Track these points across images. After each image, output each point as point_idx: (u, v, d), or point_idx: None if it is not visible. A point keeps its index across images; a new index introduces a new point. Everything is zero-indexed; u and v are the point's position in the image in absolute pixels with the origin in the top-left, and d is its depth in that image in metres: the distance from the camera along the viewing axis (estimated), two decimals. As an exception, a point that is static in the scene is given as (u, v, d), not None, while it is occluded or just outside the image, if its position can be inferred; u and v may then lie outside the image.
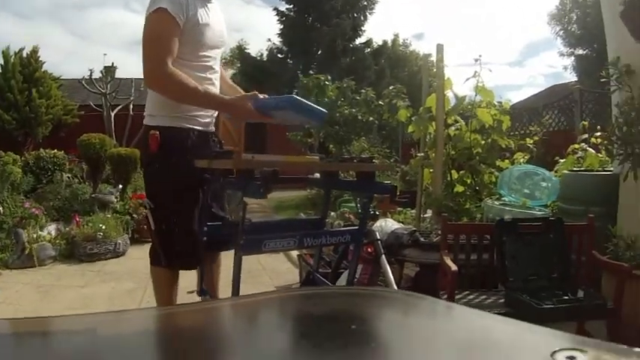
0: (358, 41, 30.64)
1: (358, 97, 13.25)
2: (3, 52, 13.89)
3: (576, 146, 5.55)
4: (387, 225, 4.52)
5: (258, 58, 31.28)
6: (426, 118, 5.75)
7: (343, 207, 7.56)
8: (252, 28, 65.96)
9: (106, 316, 1.30)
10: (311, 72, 24.26)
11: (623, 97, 3.98)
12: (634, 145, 3.64)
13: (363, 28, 31.04)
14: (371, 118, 13.02)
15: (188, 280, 5.06)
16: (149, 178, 3.14)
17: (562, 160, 5.55)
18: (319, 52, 29.36)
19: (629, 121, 3.72)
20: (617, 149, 3.84)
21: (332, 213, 6.49)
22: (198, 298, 3.56)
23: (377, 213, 3.47)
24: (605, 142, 4.62)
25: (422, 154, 5.86)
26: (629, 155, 3.67)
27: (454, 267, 3.15)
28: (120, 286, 5.26)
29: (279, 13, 30.67)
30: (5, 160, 7.62)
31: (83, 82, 15.48)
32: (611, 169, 4.64)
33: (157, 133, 2.87)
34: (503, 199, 4.91)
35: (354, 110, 12.93)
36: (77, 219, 7.00)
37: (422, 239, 4.19)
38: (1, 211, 6.67)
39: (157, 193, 3.02)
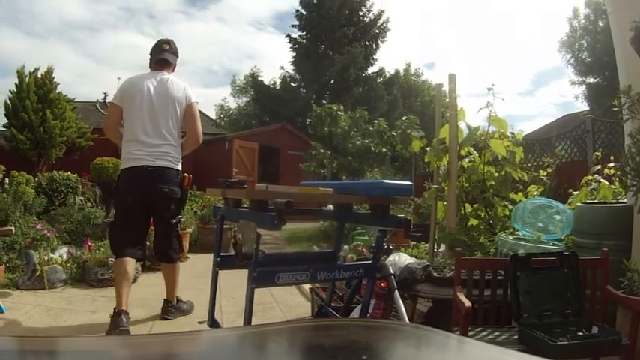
0: (370, 70, 30.83)
1: (371, 128, 13.27)
2: (18, 72, 13.87)
3: (589, 178, 5.51)
4: (400, 259, 4.49)
5: (271, 86, 31.48)
6: (439, 149, 5.74)
7: (356, 240, 7.52)
8: (264, 56, 66.58)
9: (115, 339, 1.30)
10: (324, 101, 24.44)
11: (636, 127, 3.92)
12: (647, 176, 3.60)
13: (375, 57, 31.24)
14: (384, 150, 13.03)
15: (199, 310, 5.07)
16: (177, 203, 4.80)
17: (575, 193, 5.51)
18: (332, 81, 29.52)
19: (641, 151, 3.69)
20: (631, 180, 3.78)
21: (345, 246, 6.45)
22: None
23: (391, 247, 3.45)
24: (619, 173, 4.57)
25: (436, 186, 5.84)
26: (643, 186, 3.63)
27: (468, 303, 3.12)
28: (130, 313, 5.23)
29: (292, 40, 30.95)
30: (19, 180, 7.64)
31: (97, 105, 15.57)
32: (625, 200, 4.60)
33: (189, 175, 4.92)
34: (517, 232, 4.88)
35: (366, 141, 12.96)
36: (89, 243, 6.97)
37: (435, 274, 4.16)
38: (13, 231, 6.67)
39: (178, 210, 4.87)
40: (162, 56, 4.93)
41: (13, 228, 6.72)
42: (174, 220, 4.80)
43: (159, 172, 4.57)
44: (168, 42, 5.08)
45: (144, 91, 4.65)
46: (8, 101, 13.72)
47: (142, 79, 4.74)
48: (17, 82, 13.80)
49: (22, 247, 6.55)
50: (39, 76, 14.19)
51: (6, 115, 13.75)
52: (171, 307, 4.96)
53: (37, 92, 13.73)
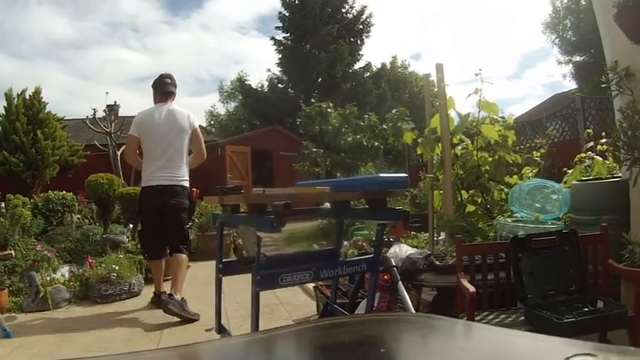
0: (357, 66, 30.87)
1: (362, 123, 13.26)
2: (6, 94, 13.81)
3: (583, 155, 5.52)
4: (401, 250, 4.50)
5: (259, 89, 31.48)
6: (431, 139, 5.75)
7: (356, 235, 7.53)
8: (250, 60, 66.72)
9: (124, 357, 1.30)
10: (312, 100, 24.42)
11: (625, 102, 3.94)
12: (640, 148, 3.62)
13: (360, 53, 31.29)
14: (376, 143, 13.03)
15: (204, 318, 5.08)
16: (186, 212, 5.86)
17: (570, 171, 5.52)
18: (319, 80, 29.53)
19: (633, 124, 3.69)
20: (624, 154, 3.79)
21: (345, 242, 6.46)
22: (216, 336, 3.56)
23: (391, 239, 3.46)
24: (611, 148, 4.57)
25: (430, 175, 5.85)
26: (636, 159, 3.63)
27: (472, 288, 3.13)
28: (137, 327, 5.23)
29: (277, 42, 30.96)
30: (15, 202, 7.63)
31: (87, 121, 15.47)
32: (620, 175, 4.61)
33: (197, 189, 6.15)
34: (515, 215, 4.89)
35: (358, 136, 12.95)
36: (90, 260, 6.94)
37: (437, 263, 4.17)
38: (13, 254, 6.66)
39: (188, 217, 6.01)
40: (167, 89, 5.97)
41: (12, 251, 6.71)
42: (187, 226, 5.98)
43: (168, 189, 5.62)
44: (169, 76, 6.07)
45: (156, 123, 5.71)
46: (-2, 124, 13.68)
47: (153, 112, 5.80)
48: (6, 105, 13.72)
49: (24, 269, 6.54)
50: (27, 97, 14.11)
51: (-4, 138, 13.70)
52: (173, 300, 5.26)
53: (26, 114, 13.66)
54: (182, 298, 5.37)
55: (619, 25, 3.77)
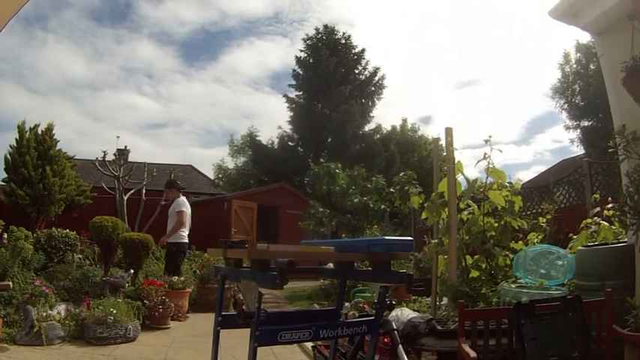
0: (367, 127, 30.99)
1: (369, 185, 13.30)
2: (18, 127, 13.88)
3: (589, 220, 5.50)
4: (403, 314, 4.47)
5: (269, 145, 31.62)
6: (438, 204, 5.75)
7: (357, 297, 7.49)
8: (262, 115, 66.97)
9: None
10: (321, 159, 24.53)
11: (632, 166, 3.95)
12: (647, 213, 3.60)
13: (371, 114, 31.43)
14: (383, 206, 13.03)
15: None
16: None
17: (576, 237, 5.50)
18: (329, 139, 29.66)
19: (639, 189, 3.70)
20: (630, 219, 3.79)
21: (346, 303, 6.41)
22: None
23: (393, 302, 3.43)
24: (618, 213, 4.55)
25: (436, 240, 5.84)
26: (642, 224, 3.63)
27: (473, 354, 3.10)
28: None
29: (289, 99, 31.16)
30: (17, 235, 7.65)
31: (96, 163, 15.54)
32: (626, 240, 4.59)
33: None
34: (519, 281, 4.86)
35: (365, 198, 12.98)
36: (88, 301, 6.93)
37: (439, 327, 4.14)
38: (11, 286, 6.70)
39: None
40: (182, 186, 10.45)
41: (10, 283, 6.75)
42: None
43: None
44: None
45: (188, 207, 9.68)
46: (8, 156, 13.67)
47: (186, 201, 9.88)
48: (17, 138, 13.75)
49: (20, 302, 6.54)
50: (39, 132, 14.14)
51: (5, 169, 13.72)
52: None
53: (37, 148, 13.66)
54: None
55: (627, 89, 3.81)
